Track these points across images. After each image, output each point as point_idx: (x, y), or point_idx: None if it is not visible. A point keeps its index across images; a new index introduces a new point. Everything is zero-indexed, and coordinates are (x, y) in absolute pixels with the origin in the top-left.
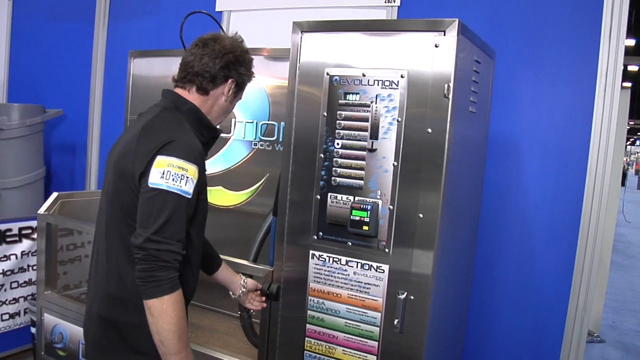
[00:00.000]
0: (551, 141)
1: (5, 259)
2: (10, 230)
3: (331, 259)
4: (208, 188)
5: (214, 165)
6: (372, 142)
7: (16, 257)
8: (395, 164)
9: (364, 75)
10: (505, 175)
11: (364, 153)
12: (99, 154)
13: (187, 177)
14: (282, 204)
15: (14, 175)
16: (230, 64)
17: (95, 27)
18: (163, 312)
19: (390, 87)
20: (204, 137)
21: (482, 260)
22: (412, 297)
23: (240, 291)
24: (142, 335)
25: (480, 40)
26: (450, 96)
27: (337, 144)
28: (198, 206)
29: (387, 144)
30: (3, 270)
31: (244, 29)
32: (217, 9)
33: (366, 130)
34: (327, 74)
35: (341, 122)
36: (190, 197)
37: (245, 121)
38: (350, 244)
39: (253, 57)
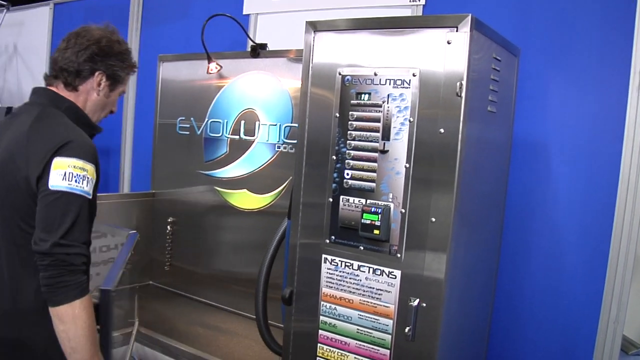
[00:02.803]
0: (581, 142)
1: None
2: None
3: (343, 263)
4: (233, 191)
5: (238, 168)
6: (384, 143)
7: None
8: (407, 165)
9: (375, 74)
10: (532, 178)
11: (375, 154)
12: (131, 157)
13: (88, 178)
14: (296, 207)
15: None
16: (94, 55)
17: (128, 32)
18: (76, 318)
19: (401, 86)
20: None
21: (506, 267)
22: (424, 304)
23: None
24: (50, 348)
25: (500, 37)
26: (463, 95)
27: (349, 145)
28: (94, 204)
29: (399, 145)
30: None
31: (271, 32)
32: (244, 12)
33: (378, 131)
34: (339, 73)
35: (353, 122)
36: (90, 197)
37: (269, 124)
38: (362, 248)
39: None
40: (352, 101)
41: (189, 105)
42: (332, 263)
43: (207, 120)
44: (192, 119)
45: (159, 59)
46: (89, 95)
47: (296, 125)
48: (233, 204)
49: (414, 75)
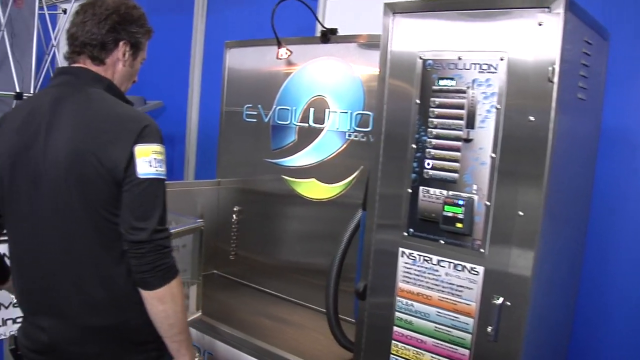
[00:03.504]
0: None
1: None
2: None
3: (422, 257)
4: (301, 180)
5: (307, 157)
6: (468, 131)
7: None
8: (494, 155)
9: (459, 58)
10: (621, 172)
11: (459, 144)
12: (196, 144)
13: (164, 160)
14: (372, 198)
15: None
16: (116, 24)
17: (194, 19)
18: (174, 296)
19: (488, 71)
20: None
21: (590, 264)
22: (508, 303)
23: None
24: (142, 327)
25: (591, 19)
26: (556, 80)
27: (430, 133)
28: None
29: (485, 134)
30: None
31: (340, 17)
32: None
33: (461, 119)
34: (420, 58)
35: (434, 109)
36: None
37: (340, 111)
38: (442, 242)
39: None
40: (433, 87)
41: (256, 92)
42: (410, 257)
43: (275, 108)
44: (259, 106)
45: (226, 45)
46: (116, 67)
47: (368, 113)
48: (301, 193)
49: (501, 59)
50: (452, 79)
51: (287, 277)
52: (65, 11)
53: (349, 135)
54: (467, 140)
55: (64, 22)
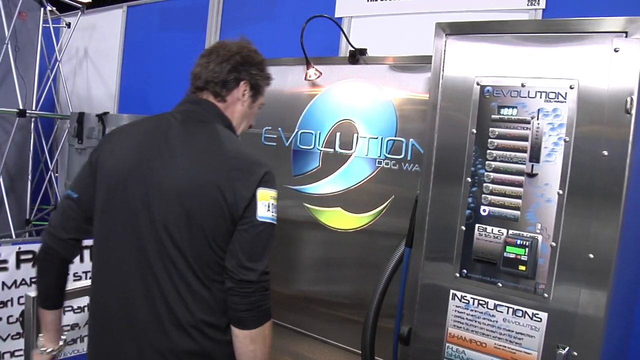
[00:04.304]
0: None
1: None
2: None
3: (476, 301)
4: (325, 209)
5: (332, 184)
6: (532, 165)
7: None
8: (561, 192)
9: (523, 85)
10: None
11: (521, 178)
12: None
13: (277, 207)
14: (419, 234)
15: None
16: (238, 65)
17: (207, 35)
18: (265, 338)
19: (555, 100)
20: None
21: None
22: (575, 353)
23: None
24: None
25: None
26: (634, 112)
27: (489, 166)
28: None
29: (551, 168)
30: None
31: (366, 37)
32: (336, 15)
33: (525, 151)
34: (478, 83)
35: (494, 140)
36: None
37: (369, 136)
38: (500, 284)
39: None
40: (493, 116)
41: (276, 114)
42: (462, 300)
43: (297, 131)
44: (279, 129)
45: None
46: (235, 106)
47: (401, 139)
48: (324, 223)
49: (571, 87)
50: (514, 107)
51: (307, 310)
52: (69, 25)
53: (380, 163)
54: (531, 175)
55: (68, 37)
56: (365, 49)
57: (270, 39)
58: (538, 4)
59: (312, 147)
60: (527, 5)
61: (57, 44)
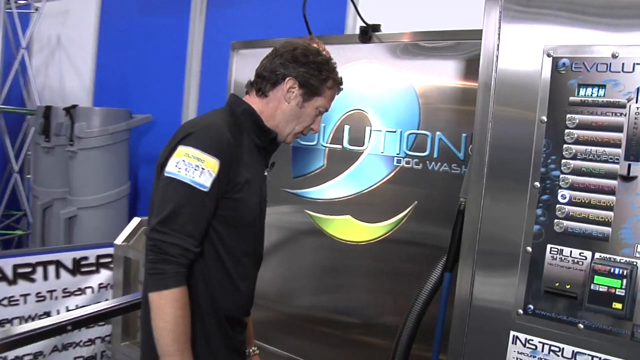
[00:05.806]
0: None
1: (79, 292)
2: (86, 258)
3: (547, 347)
4: (331, 217)
5: (340, 187)
6: (629, 165)
7: (92, 291)
8: None
9: (614, 56)
10: None
11: (614, 182)
12: None
13: (203, 169)
14: (467, 256)
15: (92, 192)
16: (287, 61)
17: (191, 18)
18: (160, 308)
19: None
20: (260, 140)
21: None
22: None
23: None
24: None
25: None
26: None
27: (566, 167)
28: (232, 206)
29: None
30: (77, 306)
31: (378, 10)
32: None
33: (618, 146)
34: (548, 55)
35: (573, 132)
36: (206, 190)
37: (385, 130)
38: (581, 326)
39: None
40: (571, 98)
41: None
42: (528, 345)
43: None
44: None
45: (232, 46)
46: (280, 103)
47: (425, 132)
48: (330, 234)
49: None
50: (602, 86)
51: (307, 335)
52: (37, 9)
53: (399, 161)
54: (628, 179)
55: (35, 23)
56: (379, 25)
57: (265, 18)
58: None
59: (315, 143)
60: None
61: (24, 32)
